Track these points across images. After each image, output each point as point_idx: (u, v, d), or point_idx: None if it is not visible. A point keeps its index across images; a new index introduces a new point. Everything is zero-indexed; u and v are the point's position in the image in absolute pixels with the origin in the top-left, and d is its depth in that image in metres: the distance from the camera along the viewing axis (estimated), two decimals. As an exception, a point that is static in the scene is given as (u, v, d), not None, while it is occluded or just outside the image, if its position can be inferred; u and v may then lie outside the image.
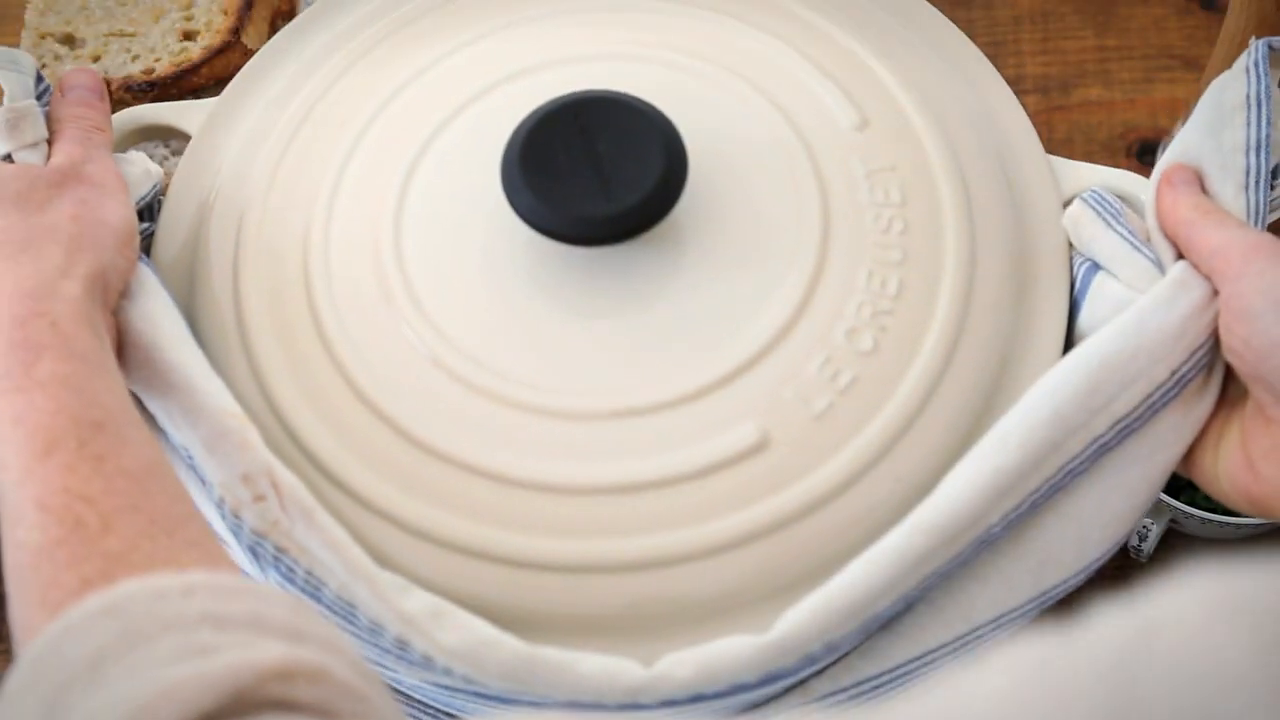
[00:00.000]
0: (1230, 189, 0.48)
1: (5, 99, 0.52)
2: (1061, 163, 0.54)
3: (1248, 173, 0.48)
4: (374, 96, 0.55)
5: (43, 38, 0.69)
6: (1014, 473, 0.46)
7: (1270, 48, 0.49)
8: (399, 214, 0.52)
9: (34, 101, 0.53)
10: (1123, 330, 0.47)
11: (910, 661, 0.48)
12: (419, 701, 0.50)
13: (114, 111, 0.68)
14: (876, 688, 0.48)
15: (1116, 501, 0.48)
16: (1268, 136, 0.48)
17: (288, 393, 0.50)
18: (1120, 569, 0.60)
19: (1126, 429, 0.47)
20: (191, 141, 0.57)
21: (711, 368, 0.49)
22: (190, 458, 0.47)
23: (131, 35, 0.69)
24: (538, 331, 0.50)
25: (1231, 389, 0.48)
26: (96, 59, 0.69)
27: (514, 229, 0.50)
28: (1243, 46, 0.64)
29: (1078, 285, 0.51)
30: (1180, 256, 0.49)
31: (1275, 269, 0.45)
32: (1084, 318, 0.51)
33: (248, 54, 0.69)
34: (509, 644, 0.45)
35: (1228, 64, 0.65)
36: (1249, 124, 0.48)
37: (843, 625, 0.45)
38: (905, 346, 0.49)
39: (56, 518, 0.39)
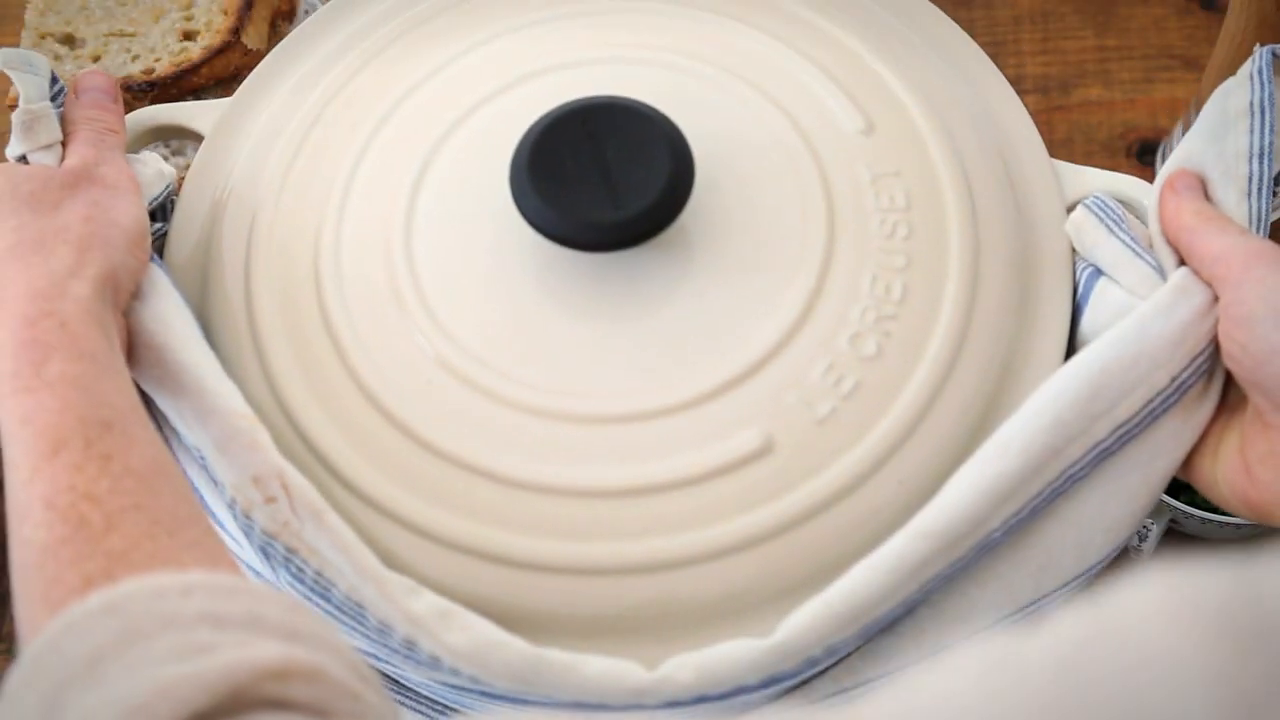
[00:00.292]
0: (1233, 195, 0.49)
1: (21, 101, 0.53)
2: (1065, 167, 0.54)
3: (1250, 179, 0.48)
4: (385, 98, 0.55)
5: (43, 38, 0.69)
6: (1015, 478, 0.46)
7: (1275, 55, 0.49)
8: (409, 217, 0.52)
9: (49, 104, 0.53)
10: (1124, 336, 0.47)
11: (911, 664, 0.48)
12: (426, 698, 0.51)
13: (120, 112, 0.68)
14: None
15: (1116, 506, 0.48)
16: (1270, 144, 0.49)
17: (298, 393, 0.50)
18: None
19: (1127, 435, 0.47)
20: (204, 142, 0.57)
21: (716, 373, 0.49)
22: (203, 458, 0.48)
23: (131, 35, 0.69)
24: (545, 335, 0.50)
25: (1232, 394, 0.48)
26: (96, 59, 0.69)
27: (522, 232, 0.50)
28: (1243, 46, 0.65)
29: (1080, 290, 0.52)
30: (1182, 262, 0.49)
31: (1274, 276, 0.45)
32: (1086, 323, 0.51)
33: (248, 54, 0.69)
34: (515, 645, 0.45)
35: (1228, 64, 0.66)
36: (1252, 131, 0.49)
37: (844, 629, 0.45)
38: (908, 352, 0.49)
39: (61, 516, 0.39)
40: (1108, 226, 0.51)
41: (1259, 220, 0.48)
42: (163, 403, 0.49)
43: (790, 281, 0.50)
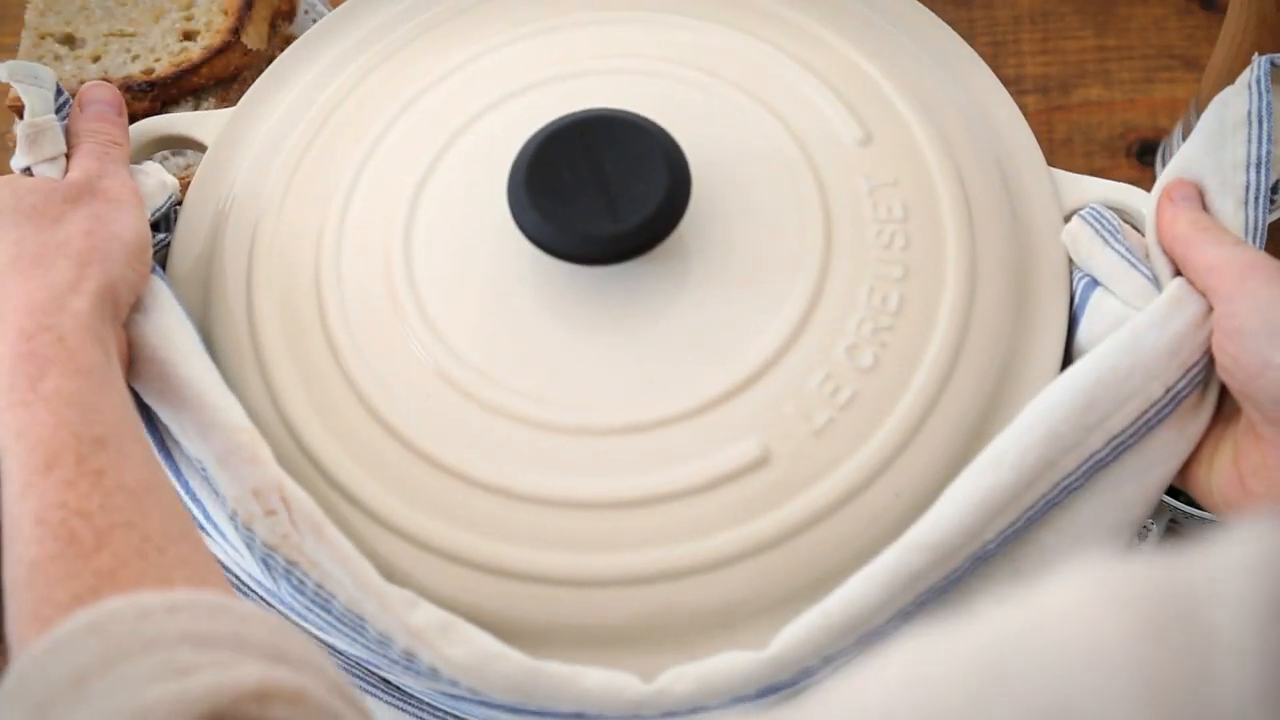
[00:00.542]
0: (1230, 205, 0.49)
1: (26, 113, 0.53)
2: (1063, 175, 0.54)
3: (1247, 189, 0.48)
4: (384, 110, 0.56)
5: (43, 38, 0.69)
6: (1009, 490, 0.46)
7: (1273, 64, 0.49)
8: (409, 229, 0.53)
9: (53, 116, 0.53)
10: (1118, 347, 0.47)
11: None
12: (426, 704, 0.51)
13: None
14: None
15: (1112, 517, 0.48)
16: (1268, 153, 0.49)
17: (299, 405, 0.50)
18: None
19: (1121, 445, 0.47)
20: (207, 152, 0.57)
21: (714, 384, 0.49)
22: (204, 470, 0.48)
23: (131, 35, 0.69)
24: (544, 347, 0.50)
25: (1227, 404, 0.49)
26: (96, 59, 0.69)
27: (521, 244, 0.50)
28: (1243, 46, 0.65)
29: (1077, 300, 0.52)
30: (1178, 273, 0.49)
31: (1268, 289, 0.45)
32: (1082, 333, 0.51)
33: (248, 54, 0.69)
34: (514, 658, 0.45)
35: (1228, 64, 0.66)
36: (1249, 140, 0.49)
37: (840, 641, 0.45)
38: (905, 363, 0.49)
39: (52, 532, 0.39)
40: (1103, 238, 0.51)
41: (1255, 230, 0.49)
42: (164, 415, 0.49)
43: (787, 292, 0.50)
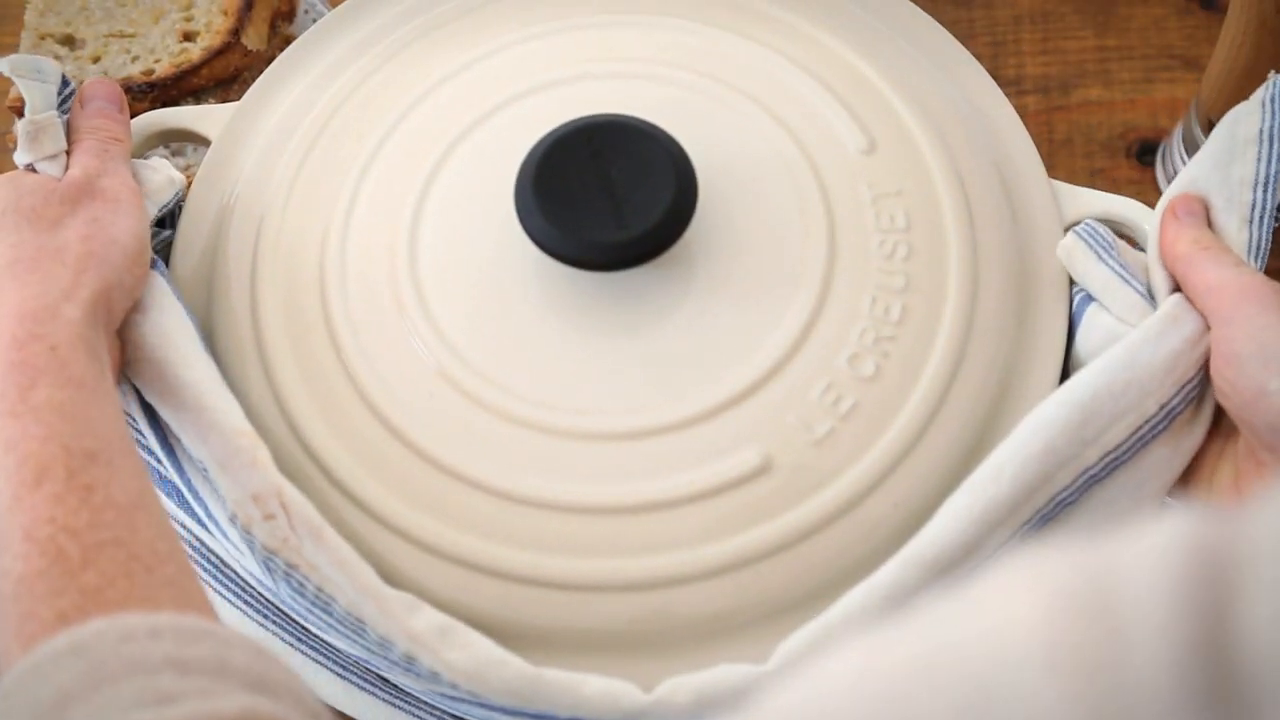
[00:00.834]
0: (1234, 223, 0.49)
1: (26, 109, 0.53)
2: (1063, 188, 0.54)
3: (1253, 208, 0.48)
4: (392, 108, 0.56)
5: (42, 38, 0.69)
6: (1007, 505, 0.47)
7: None
8: (414, 230, 0.53)
9: (54, 113, 0.53)
10: (1114, 363, 0.47)
11: None
12: (427, 704, 0.51)
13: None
14: None
15: (1105, 525, 0.48)
16: (1277, 173, 0.49)
17: (302, 404, 0.50)
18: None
19: (1116, 461, 0.47)
20: (211, 147, 0.57)
21: (716, 392, 0.49)
22: (205, 470, 0.48)
23: (131, 36, 0.69)
24: (547, 352, 0.50)
25: (1225, 421, 0.49)
26: (96, 60, 0.68)
27: (526, 248, 0.50)
28: (1243, 47, 0.65)
29: (1074, 313, 0.52)
30: (1177, 288, 0.49)
31: (1264, 315, 0.45)
32: (1079, 345, 0.52)
33: (248, 55, 0.69)
34: (514, 664, 0.45)
35: (1228, 64, 0.66)
36: (1260, 159, 0.49)
37: None
38: (906, 372, 0.49)
39: (40, 548, 0.39)
40: (1097, 253, 0.51)
41: (1258, 250, 0.49)
42: (165, 414, 0.49)
43: (791, 301, 0.50)
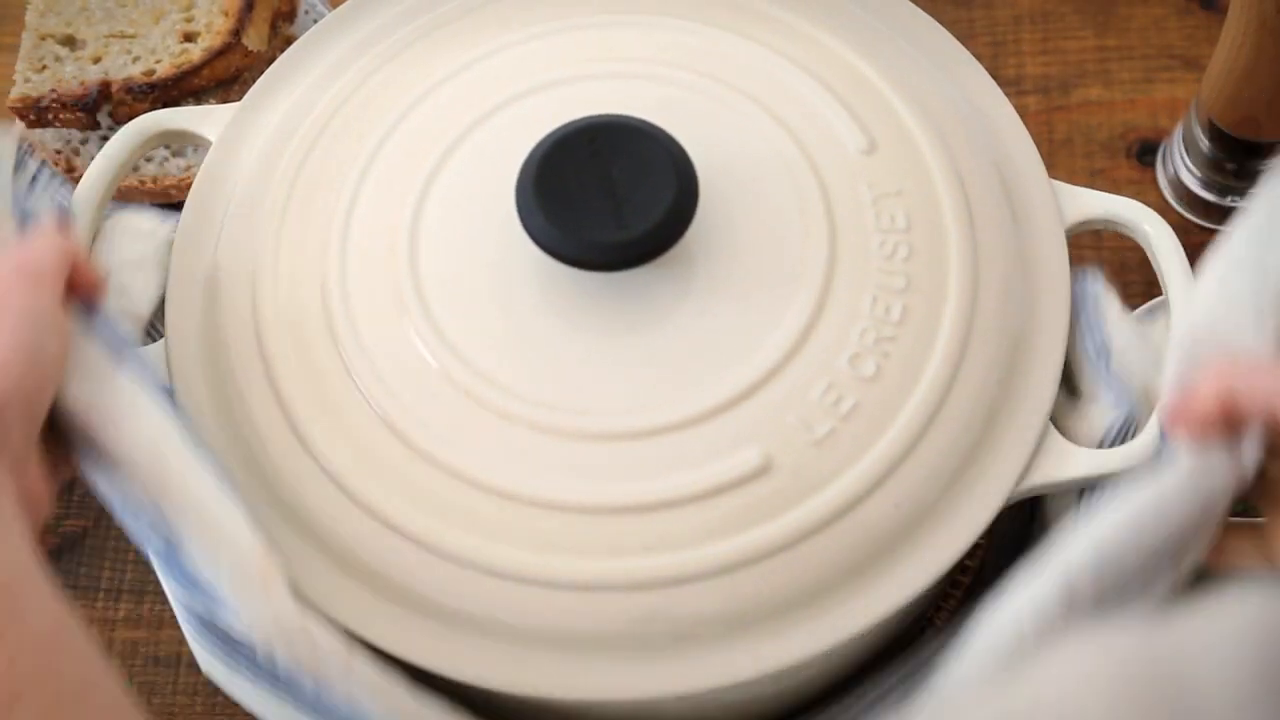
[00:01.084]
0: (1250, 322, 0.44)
1: None
2: (1064, 188, 0.55)
3: None
4: (392, 108, 0.56)
5: (43, 39, 0.69)
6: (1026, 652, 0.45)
7: None
8: (415, 229, 0.53)
9: None
10: (1139, 516, 0.43)
11: None
12: None
13: (115, 114, 0.68)
14: None
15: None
16: None
17: (303, 403, 0.50)
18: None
19: (1129, 595, 0.44)
20: (213, 147, 0.57)
21: (717, 392, 0.49)
22: (215, 588, 0.45)
23: (132, 37, 0.69)
24: (548, 351, 0.50)
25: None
26: (97, 60, 0.69)
27: (527, 248, 0.50)
28: (1243, 47, 0.65)
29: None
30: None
31: None
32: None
33: (248, 55, 0.69)
34: None
35: (1228, 64, 0.66)
36: None
37: None
38: (907, 373, 0.50)
39: None
40: (1098, 368, 0.50)
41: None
42: (166, 525, 0.46)
43: (791, 301, 0.50)
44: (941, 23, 0.59)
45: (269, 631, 0.45)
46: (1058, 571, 0.43)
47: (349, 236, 0.53)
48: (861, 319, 0.50)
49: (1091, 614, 0.44)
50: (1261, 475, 0.43)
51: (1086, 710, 0.24)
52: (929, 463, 0.49)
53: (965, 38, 0.60)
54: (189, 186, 0.57)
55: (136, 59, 0.69)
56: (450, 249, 0.52)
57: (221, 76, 0.69)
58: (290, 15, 0.71)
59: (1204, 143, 0.71)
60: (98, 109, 0.67)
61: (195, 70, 0.68)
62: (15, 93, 0.68)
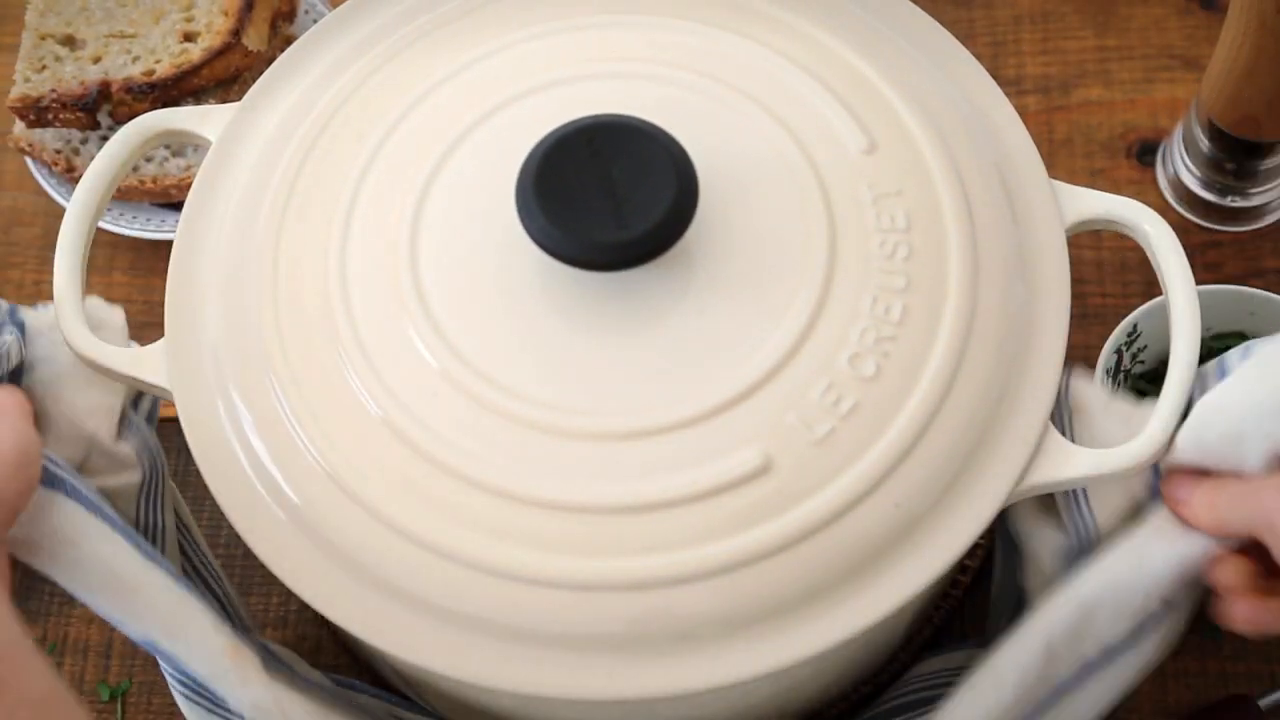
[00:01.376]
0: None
1: None
2: (1064, 188, 0.54)
3: None
4: (392, 108, 0.55)
5: (43, 39, 0.69)
6: (1010, 708, 0.49)
7: None
8: (415, 229, 0.53)
9: None
10: (1121, 566, 0.48)
11: None
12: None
13: (115, 114, 0.68)
14: None
15: (1107, 696, 0.50)
16: None
17: (303, 403, 0.51)
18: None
19: (1115, 651, 0.49)
20: (213, 147, 0.57)
21: (717, 392, 0.49)
22: (197, 680, 0.50)
23: (132, 36, 0.69)
24: (547, 351, 0.50)
25: None
26: (97, 60, 0.69)
27: (526, 248, 0.50)
28: (1243, 47, 0.65)
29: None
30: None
31: None
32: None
33: (248, 55, 0.69)
34: None
35: (1228, 64, 0.66)
36: None
37: None
38: (907, 373, 0.50)
39: None
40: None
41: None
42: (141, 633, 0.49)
43: (791, 301, 0.50)
44: (941, 23, 0.59)
45: (250, 716, 0.48)
46: (1039, 634, 0.48)
47: (349, 236, 0.53)
48: (861, 319, 0.50)
49: (1074, 672, 0.48)
50: None
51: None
52: (929, 462, 0.49)
53: (965, 38, 0.60)
54: (189, 186, 0.57)
55: (136, 59, 0.69)
56: (450, 249, 0.52)
57: (221, 76, 0.69)
58: (290, 15, 0.72)
59: (1204, 143, 0.71)
60: (98, 109, 0.67)
61: (195, 70, 0.68)
62: (15, 93, 0.68)
